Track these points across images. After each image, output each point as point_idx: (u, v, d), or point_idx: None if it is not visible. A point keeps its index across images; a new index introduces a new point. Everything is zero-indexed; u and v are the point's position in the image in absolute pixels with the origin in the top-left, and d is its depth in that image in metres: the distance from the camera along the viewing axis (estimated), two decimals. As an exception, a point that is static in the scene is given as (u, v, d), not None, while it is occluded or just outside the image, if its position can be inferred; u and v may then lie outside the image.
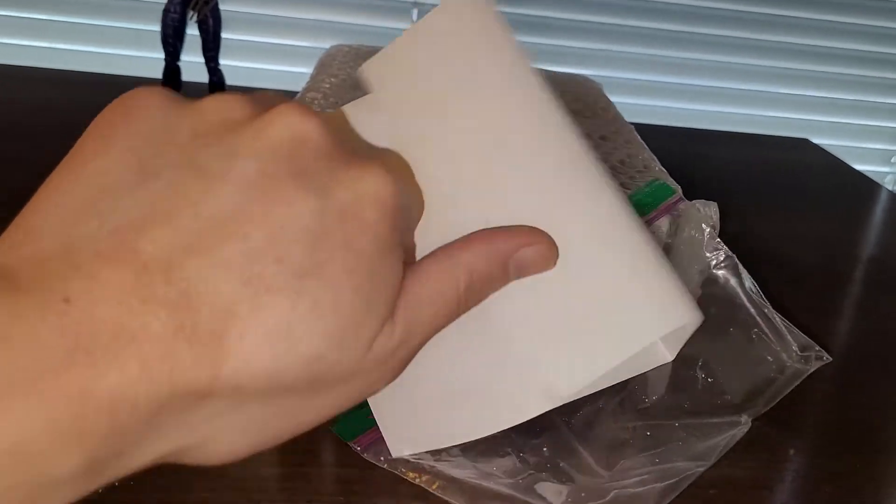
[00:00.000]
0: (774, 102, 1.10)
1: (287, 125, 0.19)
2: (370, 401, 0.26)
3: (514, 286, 0.24)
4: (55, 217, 0.17)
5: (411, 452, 0.27)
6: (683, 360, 0.27)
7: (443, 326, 0.23)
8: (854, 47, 1.07)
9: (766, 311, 0.37)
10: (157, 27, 0.59)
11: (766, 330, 0.36)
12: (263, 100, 0.21)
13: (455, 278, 0.22)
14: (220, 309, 0.17)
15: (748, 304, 0.36)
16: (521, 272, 0.24)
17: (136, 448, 0.17)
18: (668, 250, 0.39)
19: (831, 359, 0.36)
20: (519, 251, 0.23)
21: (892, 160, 1.17)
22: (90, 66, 0.80)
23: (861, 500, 0.32)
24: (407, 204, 0.22)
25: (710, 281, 0.36)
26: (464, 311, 0.23)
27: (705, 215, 0.39)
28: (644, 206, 0.39)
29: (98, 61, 0.91)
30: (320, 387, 0.19)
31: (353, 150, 0.20)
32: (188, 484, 0.28)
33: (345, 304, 0.19)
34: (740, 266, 0.37)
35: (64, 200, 0.17)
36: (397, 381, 0.23)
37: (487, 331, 0.24)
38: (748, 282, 0.37)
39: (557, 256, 0.24)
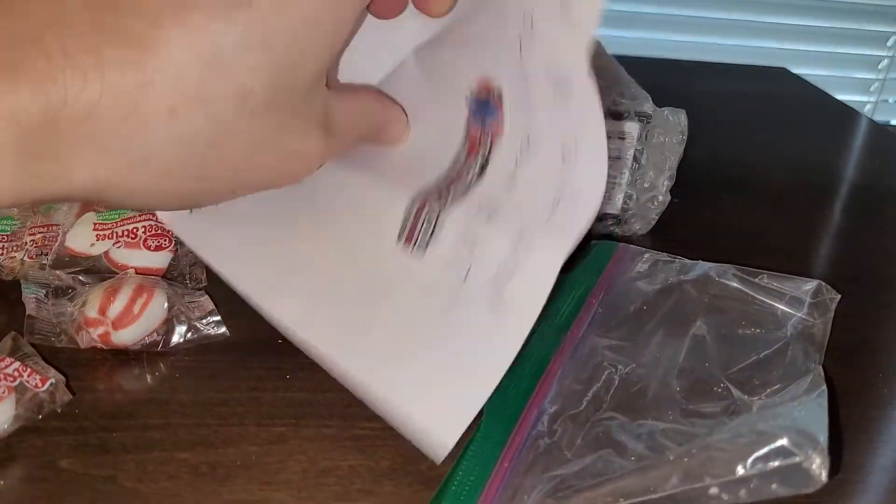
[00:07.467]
0: (752, 31, 1.06)
1: None
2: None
3: None
4: None
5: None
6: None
7: (365, 135, 0.25)
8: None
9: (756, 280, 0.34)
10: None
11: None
12: None
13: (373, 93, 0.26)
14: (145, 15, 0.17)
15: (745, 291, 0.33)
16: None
17: (63, 156, 0.17)
18: (638, 155, 0.38)
19: (840, 296, 0.33)
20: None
21: (871, 89, 1.14)
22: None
23: (870, 415, 0.32)
24: None
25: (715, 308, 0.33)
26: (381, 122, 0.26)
27: (674, 122, 0.37)
28: (592, 272, 0.35)
29: None
30: (242, 131, 0.19)
31: None
32: None
33: (279, 42, 0.18)
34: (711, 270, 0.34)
35: None
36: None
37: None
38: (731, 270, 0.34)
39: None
